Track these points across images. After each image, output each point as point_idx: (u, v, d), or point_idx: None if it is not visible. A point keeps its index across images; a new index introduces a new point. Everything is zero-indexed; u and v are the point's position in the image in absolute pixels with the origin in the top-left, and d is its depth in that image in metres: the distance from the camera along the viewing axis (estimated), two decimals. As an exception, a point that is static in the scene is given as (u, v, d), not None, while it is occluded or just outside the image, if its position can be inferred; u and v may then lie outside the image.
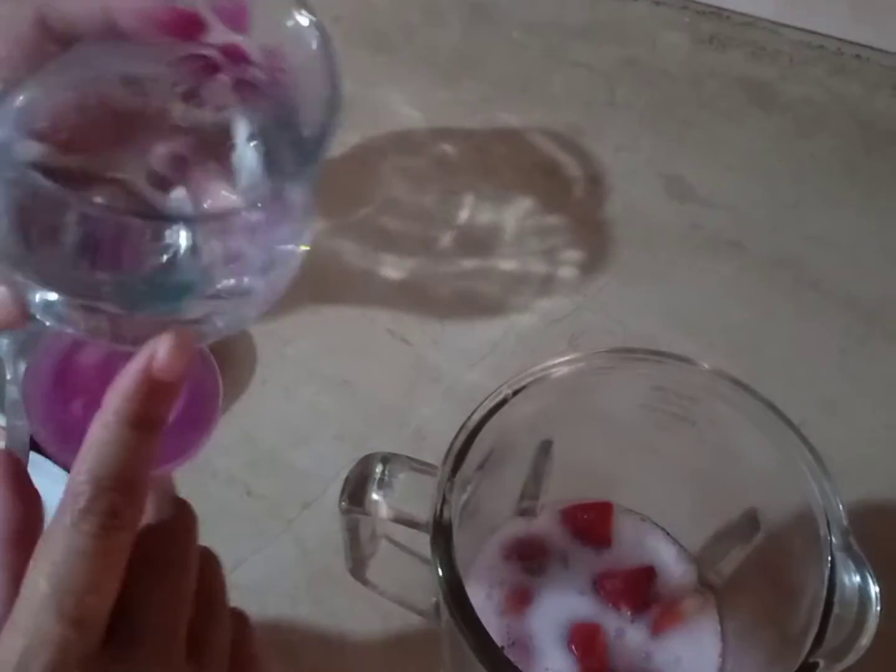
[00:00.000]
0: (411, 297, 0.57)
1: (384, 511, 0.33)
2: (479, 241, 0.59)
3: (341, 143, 0.63)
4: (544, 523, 0.40)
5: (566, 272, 0.58)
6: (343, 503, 0.34)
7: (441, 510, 0.30)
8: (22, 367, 0.50)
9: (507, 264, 0.58)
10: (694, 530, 0.38)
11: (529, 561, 0.39)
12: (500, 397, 0.33)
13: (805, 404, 0.50)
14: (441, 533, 0.30)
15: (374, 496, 0.34)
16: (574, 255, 0.58)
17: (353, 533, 0.36)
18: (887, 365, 0.54)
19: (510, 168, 0.62)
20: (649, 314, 0.56)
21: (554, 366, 0.34)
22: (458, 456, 0.31)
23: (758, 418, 0.33)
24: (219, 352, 0.55)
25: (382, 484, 0.34)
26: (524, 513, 0.40)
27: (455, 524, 0.31)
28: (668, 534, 0.40)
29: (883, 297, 0.57)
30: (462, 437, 0.32)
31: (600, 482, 0.39)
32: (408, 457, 0.34)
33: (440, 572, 0.29)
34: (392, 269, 0.58)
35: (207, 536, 0.49)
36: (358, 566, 0.39)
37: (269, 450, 0.52)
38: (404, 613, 0.44)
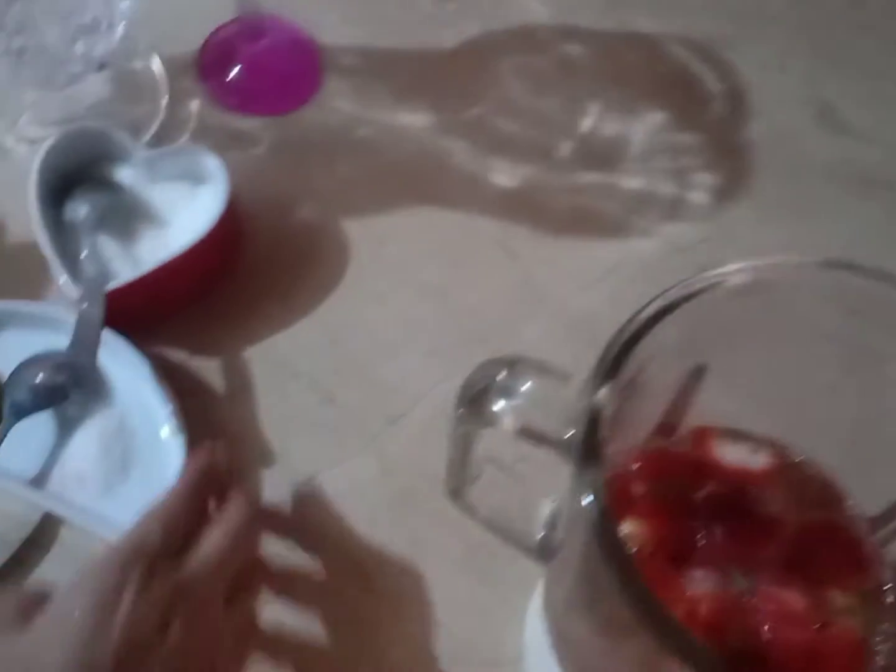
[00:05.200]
0: (523, 208, 0.51)
1: (510, 422, 0.28)
2: (602, 154, 0.53)
3: (458, 32, 0.57)
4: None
5: (697, 197, 0.52)
6: (461, 410, 0.29)
7: (593, 425, 0.25)
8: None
9: (632, 182, 0.52)
10: (869, 492, 0.32)
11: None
12: (668, 301, 0.27)
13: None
14: (592, 453, 0.25)
15: (499, 405, 0.29)
16: (707, 178, 0.52)
17: (465, 447, 0.31)
18: None
19: (642, 77, 0.56)
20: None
21: (731, 273, 0.28)
22: (615, 361, 0.26)
23: None
24: (307, 247, 0.51)
25: (506, 392, 0.29)
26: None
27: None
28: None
29: None
30: (624, 339, 0.26)
31: (754, 422, 0.33)
32: (538, 361, 0.29)
33: (589, 501, 0.24)
34: (504, 175, 0.53)
35: (285, 441, 0.46)
36: (460, 488, 0.34)
37: (355, 358, 0.47)
38: (492, 546, 0.40)
